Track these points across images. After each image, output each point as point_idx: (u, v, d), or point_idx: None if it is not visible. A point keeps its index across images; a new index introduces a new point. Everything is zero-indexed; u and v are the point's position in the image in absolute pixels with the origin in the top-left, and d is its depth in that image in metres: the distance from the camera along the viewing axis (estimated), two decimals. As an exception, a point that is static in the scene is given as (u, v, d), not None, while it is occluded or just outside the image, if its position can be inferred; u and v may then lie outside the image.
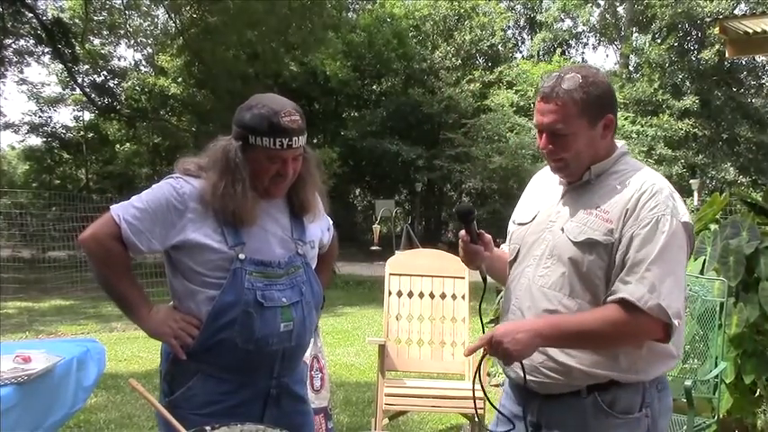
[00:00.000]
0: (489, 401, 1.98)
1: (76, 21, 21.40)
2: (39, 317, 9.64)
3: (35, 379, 2.32)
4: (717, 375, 3.72)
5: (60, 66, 22.57)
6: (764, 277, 4.04)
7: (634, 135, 23.29)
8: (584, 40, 32.59)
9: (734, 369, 3.99)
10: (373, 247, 12.73)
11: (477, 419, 3.87)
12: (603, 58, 60.87)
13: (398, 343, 4.17)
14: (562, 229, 1.77)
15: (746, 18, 6.50)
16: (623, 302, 1.64)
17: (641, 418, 1.74)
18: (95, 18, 21.43)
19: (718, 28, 6.86)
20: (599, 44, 32.92)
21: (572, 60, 29.64)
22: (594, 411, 1.74)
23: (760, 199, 5.33)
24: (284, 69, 20.74)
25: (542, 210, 1.87)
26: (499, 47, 28.10)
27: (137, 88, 24.46)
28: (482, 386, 1.82)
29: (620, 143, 1.84)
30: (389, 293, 4.25)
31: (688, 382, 3.36)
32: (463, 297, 4.24)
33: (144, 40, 23.48)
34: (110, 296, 1.95)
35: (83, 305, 10.82)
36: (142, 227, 1.86)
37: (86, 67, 22.95)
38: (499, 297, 5.22)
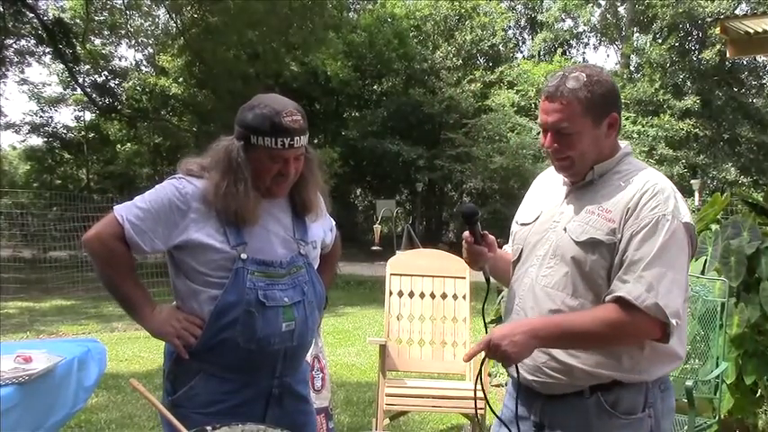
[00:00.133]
0: (489, 406, 1.98)
1: (77, 21, 21.41)
2: (40, 317, 9.65)
3: (36, 379, 2.32)
4: (718, 376, 3.72)
5: (61, 66, 22.60)
6: (765, 277, 4.04)
7: (635, 135, 23.30)
8: (585, 40, 32.63)
9: (735, 369, 3.99)
10: (374, 247, 12.74)
11: (477, 420, 3.87)
12: (604, 59, 60.72)
13: (399, 343, 4.17)
14: (565, 229, 1.77)
15: (747, 18, 6.50)
16: (621, 301, 1.64)
17: (644, 419, 1.74)
18: (96, 18, 21.44)
19: (719, 28, 6.85)
20: (600, 44, 32.95)
21: (573, 60, 29.63)
22: (597, 411, 1.74)
23: (761, 199, 5.33)
24: (285, 69, 20.76)
25: (546, 210, 1.87)
26: (500, 47, 28.09)
27: (138, 88, 24.46)
28: (483, 388, 1.82)
29: (623, 143, 1.84)
30: (390, 293, 4.25)
31: (689, 383, 3.36)
32: (464, 297, 4.24)
33: (145, 40, 23.50)
34: (113, 296, 1.97)
35: (84, 305, 10.83)
36: (145, 227, 1.87)
37: (87, 67, 22.96)
38: (500, 297, 5.21)
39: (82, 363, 2.72)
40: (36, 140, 26.83)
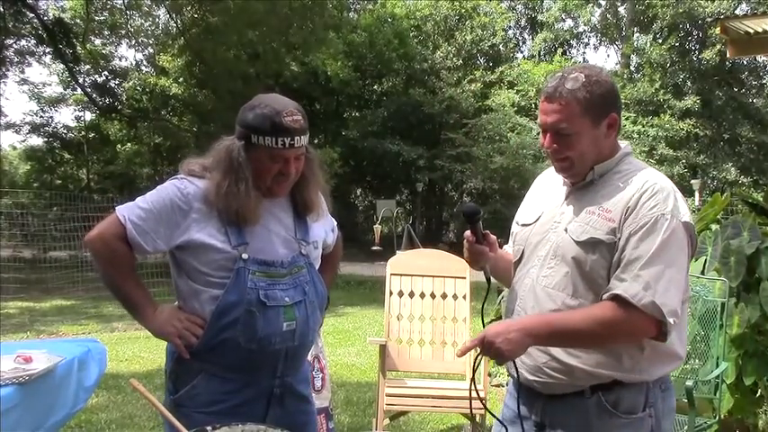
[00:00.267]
0: (486, 407, 1.99)
1: (78, 21, 21.42)
2: (40, 317, 9.65)
3: (36, 379, 2.32)
4: (718, 376, 3.72)
5: (61, 66, 22.61)
6: (765, 277, 4.04)
7: (635, 135, 23.30)
8: (586, 41, 32.63)
9: (735, 369, 3.99)
10: (374, 248, 12.75)
11: (475, 420, 3.87)
12: (604, 59, 60.72)
13: (399, 343, 4.17)
14: (566, 230, 1.78)
15: (748, 18, 6.50)
16: (618, 299, 1.64)
17: (645, 418, 1.74)
18: (96, 18, 21.44)
19: (719, 28, 6.85)
20: (600, 44, 32.94)
21: (573, 60, 29.63)
22: (598, 411, 1.74)
23: (761, 199, 5.33)
24: (285, 69, 20.76)
25: (546, 210, 1.87)
26: (500, 47, 28.09)
27: (138, 88, 24.46)
28: (476, 389, 1.82)
29: (623, 143, 1.85)
30: (390, 293, 4.25)
31: (689, 383, 3.36)
32: (464, 297, 4.24)
33: (145, 40, 23.49)
34: (115, 296, 1.98)
35: (84, 305, 10.84)
36: (147, 227, 1.89)
37: (87, 67, 22.97)
38: (500, 298, 5.22)
39: (82, 363, 2.72)
40: (36, 140, 26.89)
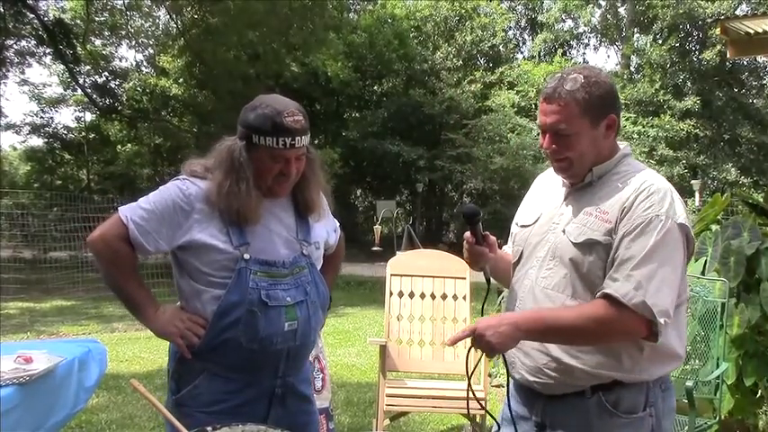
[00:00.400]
0: (484, 407, 2.00)
1: (78, 21, 21.42)
2: (40, 317, 9.66)
3: (37, 379, 2.32)
4: (718, 376, 3.72)
5: (62, 66, 22.62)
6: (765, 278, 4.04)
7: (635, 136, 23.30)
8: (586, 41, 32.61)
9: (735, 370, 3.99)
10: (374, 248, 12.74)
11: (475, 420, 3.88)
12: (605, 59, 60.81)
13: (399, 343, 4.17)
14: (564, 231, 1.78)
15: (748, 19, 6.49)
16: (609, 298, 1.65)
17: (645, 418, 1.75)
18: (97, 19, 21.45)
19: (719, 28, 6.85)
20: (600, 45, 32.96)
21: (573, 61, 29.64)
22: (598, 411, 1.75)
23: (761, 200, 5.33)
24: (285, 70, 20.76)
25: (545, 212, 1.88)
26: (500, 47, 28.09)
27: (138, 89, 24.48)
28: (472, 390, 1.83)
29: (622, 144, 1.85)
30: (390, 294, 4.25)
31: (689, 383, 3.36)
32: (464, 298, 4.24)
33: (145, 40, 23.51)
34: (117, 296, 1.98)
35: (84, 306, 10.84)
36: (149, 228, 1.90)
37: (88, 67, 22.98)
38: (500, 298, 5.22)
39: (82, 363, 2.72)
40: (36, 141, 26.91)
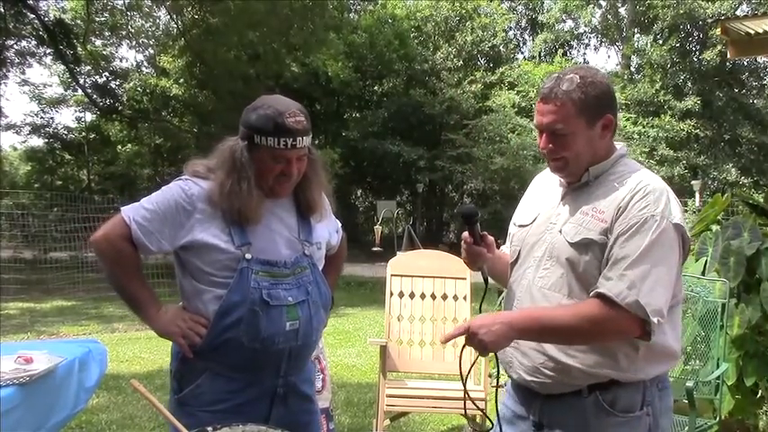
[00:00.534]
0: (480, 408, 2.00)
1: (78, 22, 21.44)
2: (40, 317, 9.66)
3: (37, 380, 2.32)
4: (718, 377, 3.72)
5: (62, 67, 22.65)
6: (765, 278, 4.04)
7: (636, 136, 23.31)
8: (586, 41, 32.62)
9: (735, 370, 3.99)
10: (375, 248, 12.76)
11: (475, 421, 3.87)
12: (605, 59, 60.90)
13: (400, 344, 4.17)
14: (561, 231, 1.79)
15: (748, 19, 6.49)
16: (602, 297, 1.66)
17: (642, 417, 1.75)
18: (97, 19, 21.46)
19: (719, 29, 6.84)
20: (600, 45, 32.97)
21: (573, 61, 29.63)
22: (595, 410, 1.75)
23: (761, 200, 5.33)
24: (286, 70, 20.77)
25: (542, 212, 1.89)
26: (501, 48, 28.10)
27: (138, 89, 24.50)
28: (466, 391, 1.84)
29: (619, 145, 1.86)
30: (391, 294, 4.25)
31: (690, 384, 3.36)
32: (465, 298, 4.24)
33: (145, 41, 23.51)
34: (120, 296, 2.00)
35: (84, 306, 10.85)
36: (152, 228, 1.91)
37: (88, 68, 23.01)
38: (500, 298, 5.21)
39: (83, 363, 2.73)
40: (37, 141, 26.96)
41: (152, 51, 24.22)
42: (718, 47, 24.87)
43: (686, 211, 13.91)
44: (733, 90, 28.02)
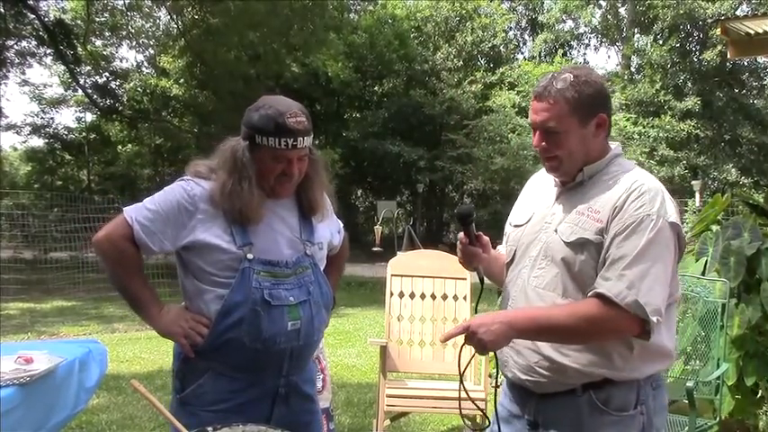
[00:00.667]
0: (479, 408, 2.01)
1: (78, 22, 21.46)
2: (40, 318, 9.66)
3: (37, 380, 2.33)
4: (719, 377, 3.72)
5: (62, 67, 22.66)
6: (766, 278, 4.04)
7: (636, 136, 23.29)
8: (586, 41, 32.60)
9: (736, 370, 3.99)
10: (375, 248, 12.73)
11: (475, 421, 3.87)
12: (605, 59, 61.01)
13: (400, 344, 4.18)
14: (556, 231, 1.80)
15: (748, 19, 6.49)
16: (601, 297, 1.66)
17: (636, 416, 1.76)
18: (97, 19, 21.48)
19: (719, 29, 6.84)
20: (600, 45, 32.95)
21: (573, 61, 29.63)
22: (590, 409, 1.76)
23: (762, 200, 5.33)
24: (286, 70, 20.77)
25: (538, 211, 1.90)
26: (501, 48, 28.11)
27: (139, 89, 24.51)
28: (465, 390, 1.85)
29: (613, 144, 1.87)
30: (391, 294, 4.25)
31: (690, 384, 3.36)
32: (465, 298, 4.24)
33: (146, 41, 23.53)
34: (122, 296, 2.01)
35: (84, 306, 10.85)
36: (154, 228, 1.92)
37: (88, 68, 23.03)
38: (500, 298, 5.22)
39: (83, 364, 2.73)
40: (37, 141, 26.99)
41: (152, 52, 24.25)
42: (719, 47, 24.86)
43: (686, 211, 13.92)
44: (733, 90, 28.01)
